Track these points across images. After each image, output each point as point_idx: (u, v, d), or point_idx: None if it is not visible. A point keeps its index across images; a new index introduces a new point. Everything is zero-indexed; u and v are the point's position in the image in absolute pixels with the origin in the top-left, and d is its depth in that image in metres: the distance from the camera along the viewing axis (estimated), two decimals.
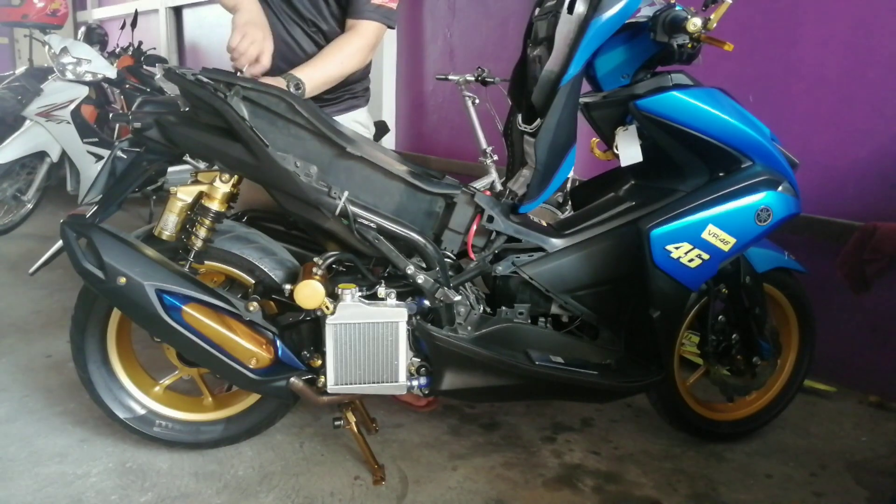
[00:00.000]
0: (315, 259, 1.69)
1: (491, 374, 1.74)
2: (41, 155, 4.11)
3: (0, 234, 4.13)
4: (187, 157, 1.83)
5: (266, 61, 1.78)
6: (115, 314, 1.81)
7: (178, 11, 6.83)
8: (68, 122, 4.10)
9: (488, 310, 1.85)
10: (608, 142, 1.85)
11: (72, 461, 1.86)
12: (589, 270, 1.83)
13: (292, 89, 1.74)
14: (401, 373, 1.70)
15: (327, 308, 1.63)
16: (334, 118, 1.92)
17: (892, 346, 2.37)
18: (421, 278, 1.70)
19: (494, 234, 1.79)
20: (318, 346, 1.73)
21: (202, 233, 1.68)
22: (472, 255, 1.78)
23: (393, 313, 1.66)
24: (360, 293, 1.67)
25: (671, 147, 1.76)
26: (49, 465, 1.84)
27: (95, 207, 1.66)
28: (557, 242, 1.82)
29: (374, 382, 1.69)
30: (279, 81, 1.74)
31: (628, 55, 1.80)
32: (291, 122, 1.65)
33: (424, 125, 4.33)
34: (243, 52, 1.74)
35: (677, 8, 1.67)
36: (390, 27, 1.95)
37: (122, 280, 1.60)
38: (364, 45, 1.90)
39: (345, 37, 1.90)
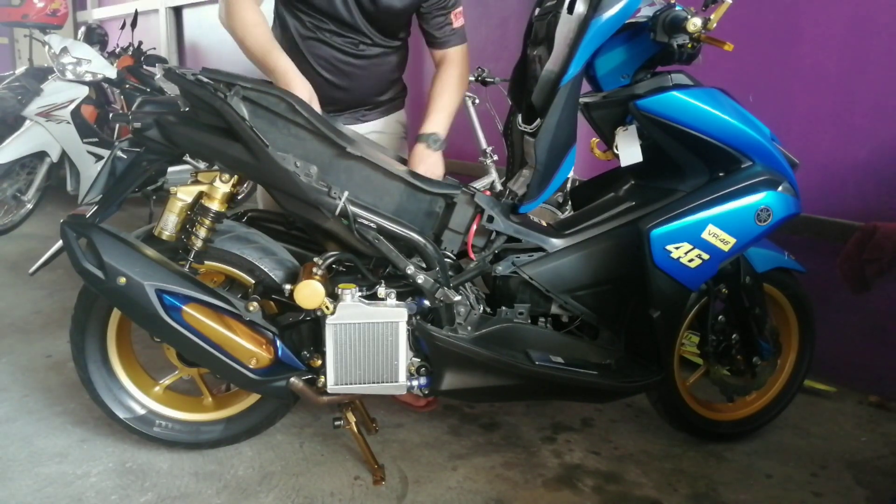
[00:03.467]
0: (315, 259, 1.69)
1: (491, 374, 1.74)
2: (41, 155, 4.11)
3: (0, 234, 4.13)
4: (187, 157, 1.83)
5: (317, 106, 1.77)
6: (115, 314, 1.81)
7: (178, 11, 6.83)
8: (68, 122, 4.10)
9: (488, 310, 1.85)
10: (608, 142, 1.85)
11: (72, 461, 1.86)
12: (589, 270, 1.83)
13: (435, 147, 1.85)
14: (401, 373, 1.70)
15: (327, 308, 1.63)
16: (386, 118, 2.06)
17: (892, 346, 2.37)
18: (421, 278, 1.70)
19: (494, 234, 1.79)
20: (318, 346, 1.73)
21: (202, 233, 1.68)
22: (472, 255, 1.78)
23: (393, 313, 1.66)
24: (360, 293, 1.67)
25: (671, 147, 1.76)
26: (49, 465, 1.84)
27: (95, 207, 1.66)
28: (557, 242, 1.82)
29: (374, 382, 1.69)
30: (423, 152, 1.84)
31: (628, 55, 1.79)
32: (291, 122, 1.65)
33: None
34: None
35: (677, 8, 1.67)
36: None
37: (122, 280, 1.60)
38: (465, 71, 2.02)
39: (448, 72, 1.97)
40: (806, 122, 2.48)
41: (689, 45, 1.67)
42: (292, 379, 1.72)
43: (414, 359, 1.75)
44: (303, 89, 1.73)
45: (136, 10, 5.81)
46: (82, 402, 2.10)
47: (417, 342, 1.74)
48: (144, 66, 5.06)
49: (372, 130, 2.04)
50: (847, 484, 1.90)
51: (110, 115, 4.48)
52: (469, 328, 1.77)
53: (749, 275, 1.91)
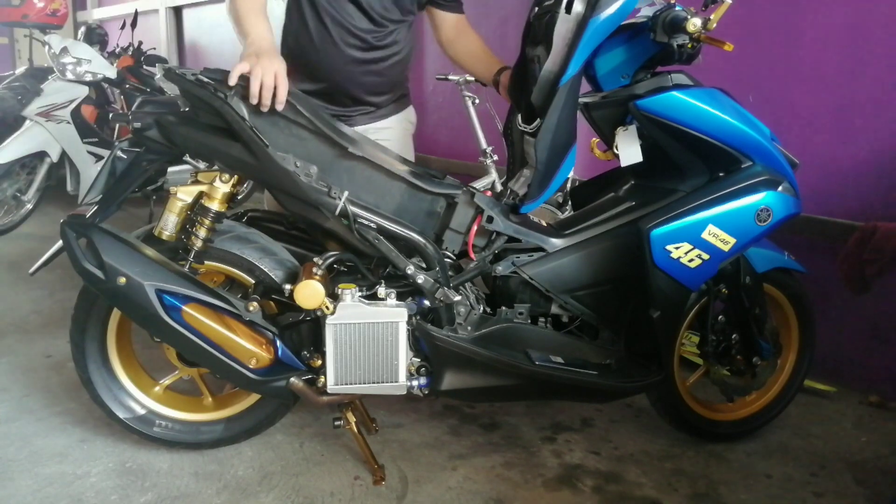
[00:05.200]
0: (315, 259, 1.69)
1: (491, 374, 1.74)
2: (41, 155, 4.10)
3: (0, 234, 4.13)
4: (187, 157, 1.83)
5: (283, 88, 1.59)
6: (115, 314, 1.81)
7: (178, 11, 6.83)
8: (68, 122, 4.10)
9: (488, 310, 1.85)
10: (608, 142, 1.85)
11: (72, 461, 1.86)
12: (589, 270, 1.83)
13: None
14: (401, 373, 1.70)
15: (327, 308, 1.63)
16: (397, 115, 2.08)
17: (892, 346, 2.37)
18: (421, 278, 1.70)
19: (495, 234, 1.79)
20: (318, 346, 1.73)
21: (202, 233, 1.68)
22: (473, 255, 1.78)
23: (393, 313, 1.66)
24: (360, 293, 1.67)
25: (671, 147, 1.76)
26: (49, 465, 1.84)
27: (95, 207, 1.66)
28: (557, 242, 1.82)
29: (374, 382, 1.69)
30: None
31: (628, 55, 1.79)
32: (292, 122, 1.65)
33: (424, 125, 4.32)
34: (255, 92, 1.56)
35: (677, 8, 1.67)
36: None
37: (122, 280, 1.60)
38: None
39: (477, 38, 2.14)
40: (806, 122, 2.48)
41: (689, 45, 1.68)
42: (292, 379, 1.72)
43: (414, 359, 1.75)
44: (273, 59, 1.59)
45: (136, 10, 5.81)
46: (82, 402, 2.10)
47: (417, 342, 1.74)
48: (144, 66, 5.06)
49: (384, 127, 2.07)
50: (847, 484, 1.90)
51: (110, 115, 4.48)
52: (469, 328, 1.77)
53: (749, 275, 1.91)
